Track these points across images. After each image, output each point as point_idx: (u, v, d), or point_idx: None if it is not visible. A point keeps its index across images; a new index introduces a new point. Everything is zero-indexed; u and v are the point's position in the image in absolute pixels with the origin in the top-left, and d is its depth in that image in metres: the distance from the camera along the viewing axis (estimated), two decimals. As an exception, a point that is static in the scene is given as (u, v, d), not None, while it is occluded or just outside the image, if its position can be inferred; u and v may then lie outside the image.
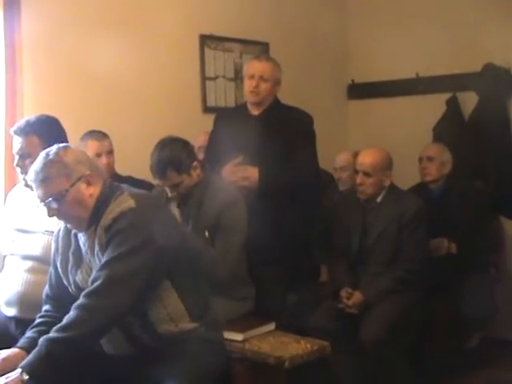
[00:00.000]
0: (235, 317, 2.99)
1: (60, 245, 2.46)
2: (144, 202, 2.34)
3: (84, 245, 2.36)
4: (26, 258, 2.81)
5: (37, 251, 2.78)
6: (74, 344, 2.16)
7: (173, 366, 2.25)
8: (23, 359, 2.22)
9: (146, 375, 2.28)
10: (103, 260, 2.24)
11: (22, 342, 2.34)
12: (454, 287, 3.71)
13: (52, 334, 2.17)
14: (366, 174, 3.50)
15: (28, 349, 2.27)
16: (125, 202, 2.30)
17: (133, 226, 2.25)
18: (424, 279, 3.47)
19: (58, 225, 2.63)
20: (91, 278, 2.25)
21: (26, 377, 2.09)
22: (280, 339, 2.89)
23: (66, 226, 2.45)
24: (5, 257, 2.94)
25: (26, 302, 2.72)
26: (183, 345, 2.32)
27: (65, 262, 2.42)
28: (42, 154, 2.32)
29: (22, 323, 2.67)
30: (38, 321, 2.42)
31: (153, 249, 2.26)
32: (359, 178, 3.53)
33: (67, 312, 2.37)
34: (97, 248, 2.29)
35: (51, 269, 2.50)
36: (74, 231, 2.41)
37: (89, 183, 2.33)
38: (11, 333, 2.73)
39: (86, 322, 2.18)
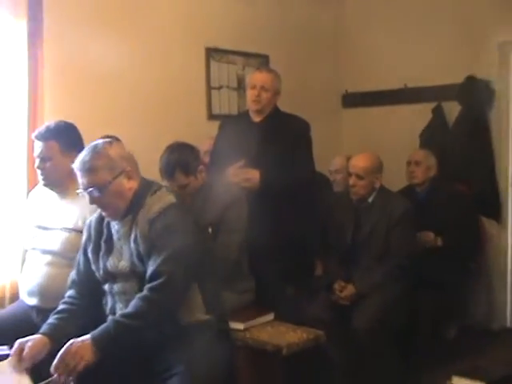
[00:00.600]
0: (237, 308, 2.99)
1: (92, 233, 2.48)
2: (180, 197, 2.43)
3: (117, 232, 2.40)
4: (45, 252, 2.82)
5: (55, 246, 2.79)
6: (137, 332, 2.21)
7: (186, 351, 2.27)
8: (46, 345, 2.25)
9: (162, 358, 2.30)
10: (158, 257, 2.26)
11: (44, 328, 2.34)
12: (438, 281, 3.71)
13: (121, 319, 2.21)
14: (359, 177, 3.52)
15: (50, 335, 2.30)
16: (165, 196, 2.38)
17: (176, 222, 2.31)
18: (411, 273, 3.48)
19: (75, 221, 2.70)
20: (149, 272, 2.28)
21: (94, 347, 2.13)
22: (278, 328, 2.91)
23: (98, 217, 2.48)
24: (27, 251, 2.95)
25: (46, 292, 2.73)
26: (196, 333, 2.35)
27: (96, 249, 2.45)
28: (91, 146, 2.36)
29: (42, 312, 2.69)
30: (60, 307, 2.44)
31: (196, 242, 2.34)
32: (352, 180, 3.54)
33: (90, 297, 2.44)
34: (135, 235, 2.32)
35: (80, 255, 2.51)
36: (106, 221, 2.43)
37: (129, 177, 2.37)
38: (33, 320, 2.75)
39: (150, 313, 2.23)
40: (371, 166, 3.55)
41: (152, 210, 2.33)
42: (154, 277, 2.26)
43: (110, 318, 2.24)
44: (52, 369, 2.12)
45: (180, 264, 2.27)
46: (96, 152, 2.33)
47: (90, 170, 2.31)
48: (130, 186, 2.37)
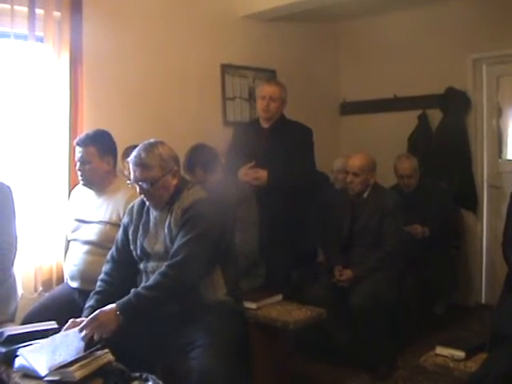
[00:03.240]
0: (250, 290, 2.98)
1: (134, 217, 2.47)
2: (210, 193, 2.42)
3: (155, 219, 2.39)
4: (84, 242, 2.81)
5: (93, 237, 2.78)
6: (154, 301, 2.20)
7: (208, 327, 2.26)
8: None
9: (186, 333, 2.28)
10: (181, 239, 2.26)
11: (86, 312, 2.32)
12: (424, 264, 3.69)
13: (141, 290, 2.20)
14: (355, 175, 3.47)
15: None
16: (198, 191, 2.38)
17: (204, 213, 2.30)
18: (400, 258, 3.45)
19: (110, 215, 2.69)
20: (171, 251, 2.28)
21: (117, 313, 2.13)
22: (286, 307, 2.90)
23: (140, 203, 2.46)
24: (69, 242, 2.95)
25: (85, 277, 2.74)
26: (217, 311, 2.34)
27: (135, 230, 2.44)
28: (146, 144, 2.33)
29: (83, 293, 2.70)
30: (99, 288, 2.42)
31: (217, 231, 2.32)
32: (349, 178, 3.50)
33: (124, 273, 2.42)
34: (169, 222, 2.32)
35: (120, 235, 2.50)
36: (146, 207, 2.42)
37: (174, 176, 2.36)
38: (76, 300, 2.76)
39: (166, 286, 2.21)
40: (366, 165, 3.50)
41: (186, 201, 2.33)
42: (173, 255, 2.26)
43: (132, 290, 2.22)
44: (80, 328, 2.11)
45: (198, 247, 2.25)
46: (151, 151, 2.31)
47: (144, 166, 2.29)
48: (174, 182, 2.37)
